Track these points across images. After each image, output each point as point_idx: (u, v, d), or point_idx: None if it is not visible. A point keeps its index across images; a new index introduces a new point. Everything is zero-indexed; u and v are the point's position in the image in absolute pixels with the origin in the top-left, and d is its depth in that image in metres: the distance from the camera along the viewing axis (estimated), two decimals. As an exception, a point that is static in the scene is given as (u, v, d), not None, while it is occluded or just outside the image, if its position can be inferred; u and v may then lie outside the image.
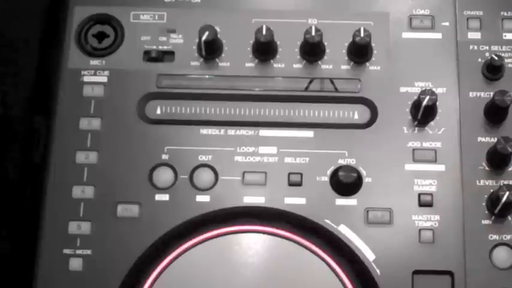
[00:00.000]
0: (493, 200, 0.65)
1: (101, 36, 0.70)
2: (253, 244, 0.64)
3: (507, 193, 0.63)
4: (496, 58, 0.68)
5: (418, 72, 0.69)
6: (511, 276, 0.64)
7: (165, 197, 0.66)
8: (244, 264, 0.64)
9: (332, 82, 0.69)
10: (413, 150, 0.67)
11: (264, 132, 0.67)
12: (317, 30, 0.67)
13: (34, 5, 0.79)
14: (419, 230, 0.65)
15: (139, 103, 0.68)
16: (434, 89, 0.67)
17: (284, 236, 0.64)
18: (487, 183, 0.66)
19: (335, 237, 0.64)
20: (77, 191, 0.66)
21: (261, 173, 0.66)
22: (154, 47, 0.70)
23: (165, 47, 0.70)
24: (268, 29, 0.67)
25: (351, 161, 0.66)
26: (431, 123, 0.67)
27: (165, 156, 0.67)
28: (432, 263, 0.64)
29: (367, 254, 0.64)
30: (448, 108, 0.68)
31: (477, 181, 0.66)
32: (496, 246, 0.65)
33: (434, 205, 0.65)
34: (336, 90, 0.68)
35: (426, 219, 0.65)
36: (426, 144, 0.67)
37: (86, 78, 0.69)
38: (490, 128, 0.67)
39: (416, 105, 0.66)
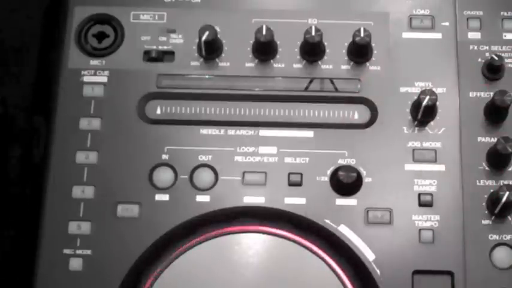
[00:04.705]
0: (493, 200, 0.65)
1: (101, 36, 0.70)
2: (253, 244, 0.64)
3: (507, 193, 0.63)
4: (496, 58, 0.68)
5: (418, 72, 0.69)
6: (511, 276, 0.64)
7: (165, 197, 0.66)
8: (244, 264, 0.64)
9: (332, 82, 0.69)
10: (413, 150, 0.67)
11: (264, 132, 0.67)
12: (317, 30, 0.67)
13: (34, 5, 0.79)
14: (419, 230, 0.65)
15: (139, 103, 0.68)
16: (434, 89, 0.67)
17: (284, 236, 0.64)
18: (487, 183, 0.66)
19: (335, 237, 0.64)
20: (77, 191, 0.66)
21: (261, 173, 0.66)
22: (154, 47, 0.70)
23: (165, 47, 0.70)
24: (268, 29, 0.67)
25: (351, 161, 0.66)
26: (431, 123, 0.67)
27: (165, 156, 0.67)
28: (432, 263, 0.64)
29: (367, 254, 0.64)
30: (448, 108, 0.68)
31: (477, 181, 0.66)
32: (496, 246, 0.65)
33: (434, 205, 0.65)
34: (336, 90, 0.68)
35: (426, 219, 0.65)
36: (426, 144, 0.67)
37: (86, 78, 0.69)
38: (490, 128, 0.67)
39: (416, 105, 0.66)
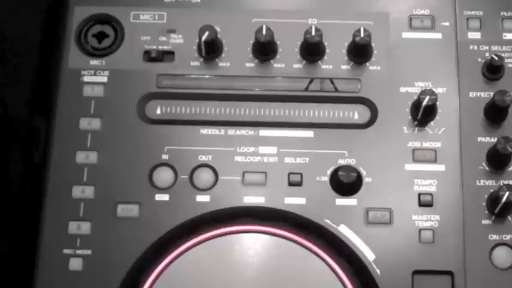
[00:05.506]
0: (493, 200, 0.65)
1: (101, 36, 0.70)
2: (253, 244, 0.64)
3: (507, 193, 0.63)
4: (496, 58, 0.68)
5: (418, 72, 0.69)
6: (511, 276, 0.64)
7: (165, 197, 0.66)
8: (244, 264, 0.64)
9: (332, 82, 0.69)
10: (413, 150, 0.67)
11: (264, 132, 0.67)
12: (317, 30, 0.67)
13: (34, 5, 0.79)
14: (419, 230, 0.65)
15: (139, 103, 0.68)
16: (434, 89, 0.67)
17: (284, 236, 0.64)
18: (487, 183, 0.66)
19: (335, 237, 0.64)
20: (77, 191, 0.66)
21: (261, 173, 0.66)
22: (154, 47, 0.70)
23: (165, 47, 0.70)
24: (268, 29, 0.67)
25: (351, 161, 0.66)
26: (431, 123, 0.67)
27: (165, 156, 0.67)
28: (432, 263, 0.64)
29: (367, 254, 0.64)
30: (448, 108, 0.68)
31: (477, 181, 0.66)
32: (496, 246, 0.65)
33: (434, 205, 0.65)
34: (336, 90, 0.68)
35: (426, 219, 0.65)
36: (426, 144, 0.67)
37: (86, 78, 0.69)
38: (490, 128, 0.67)
39: (416, 105, 0.67)
